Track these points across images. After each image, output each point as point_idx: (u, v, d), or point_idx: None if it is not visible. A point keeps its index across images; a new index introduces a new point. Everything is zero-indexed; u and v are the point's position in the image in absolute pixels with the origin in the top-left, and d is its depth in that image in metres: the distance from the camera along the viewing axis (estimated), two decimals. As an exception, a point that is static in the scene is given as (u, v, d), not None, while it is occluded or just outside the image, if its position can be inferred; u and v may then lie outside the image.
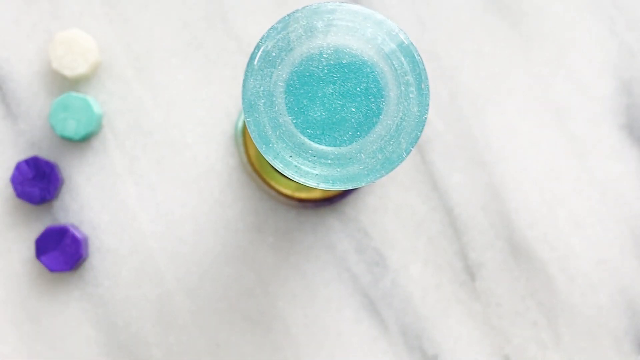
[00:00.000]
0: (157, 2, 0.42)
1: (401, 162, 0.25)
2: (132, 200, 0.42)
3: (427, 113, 0.25)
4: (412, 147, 0.25)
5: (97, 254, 0.41)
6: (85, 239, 0.41)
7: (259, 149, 0.25)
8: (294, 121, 0.25)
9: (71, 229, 0.40)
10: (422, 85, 0.25)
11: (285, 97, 0.25)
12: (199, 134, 0.42)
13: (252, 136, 0.25)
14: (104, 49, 0.42)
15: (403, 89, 0.25)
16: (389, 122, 0.25)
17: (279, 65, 0.25)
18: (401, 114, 0.25)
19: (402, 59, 0.25)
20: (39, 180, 0.40)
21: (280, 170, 0.25)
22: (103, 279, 0.41)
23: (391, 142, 0.25)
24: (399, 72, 0.25)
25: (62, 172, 0.41)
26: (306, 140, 0.25)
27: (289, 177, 0.26)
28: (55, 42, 0.41)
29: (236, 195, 0.42)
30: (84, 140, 0.41)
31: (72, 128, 0.40)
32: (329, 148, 0.25)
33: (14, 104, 0.42)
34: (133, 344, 0.41)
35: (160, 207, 0.42)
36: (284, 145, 0.25)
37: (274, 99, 0.25)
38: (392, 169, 0.25)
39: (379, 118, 0.25)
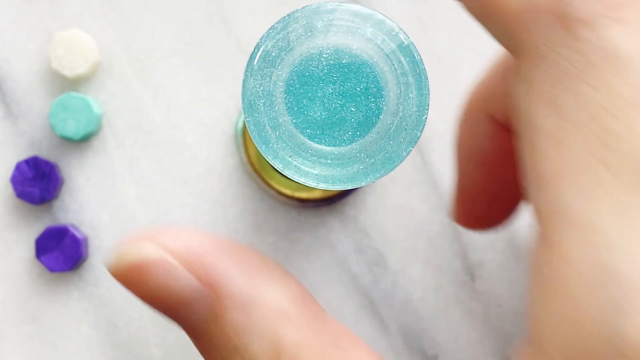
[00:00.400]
0: (157, 2, 0.42)
1: (401, 162, 0.25)
2: (132, 200, 0.42)
3: (427, 113, 0.25)
4: (412, 147, 0.25)
5: (97, 254, 0.41)
6: (85, 239, 0.41)
7: (259, 149, 0.25)
8: (294, 121, 0.25)
9: (71, 229, 0.40)
10: (422, 86, 0.25)
11: (285, 97, 0.25)
12: (199, 134, 0.42)
13: (251, 136, 0.25)
14: (104, 49, 0.42)
15: (403, 89, 0.25)
16: (388, 122, 0.25)
17: (278, 65, 0.25)
18: (401, 114, 0.25)
19: (402, 59, 0.25)
20: (39, 180, 0.40)
21: (280, 170, 0.25)
22: (103, 279, 0.41)
23: (391, 142, 0.25)
24: (399, 72, 0.25)
25: (62, 172, 0.41)
26: (306, 140, 0.25)
27: (288, 177, 0.26)
28: (55, 42, 0.41)
29: (236, 195, 0.42)
30: (84, 140, 0.41)
31: (72, 128, 0.40)
32: (329, 148, 0.25)
33: (14, 104, 0.42)
34: (133, 344, 0.41)
35: (160, 207, 0.42)
36: (284, 145, 0.25)
37: (274, 99, 0.25)
38: (392, 169, 0.25)
39: (378, 118, 0.25)
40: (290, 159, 0.25)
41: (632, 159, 0.22)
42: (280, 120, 0.25)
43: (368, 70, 0.25)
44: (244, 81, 0.25)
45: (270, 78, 0.25)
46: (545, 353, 0.24)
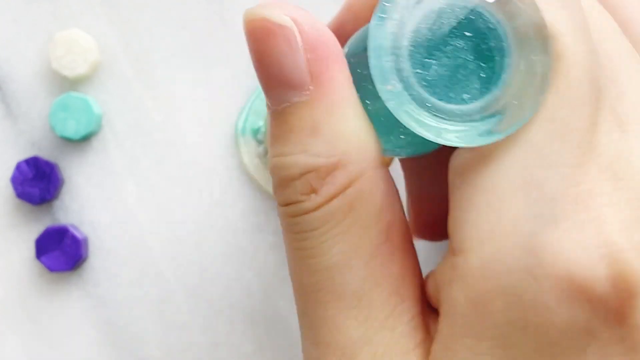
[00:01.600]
0: (157, 2, 0.42)
1: (526, 121, 0.24)
2: (132, 200, 0.42)
3: (550, 72, 0.24)
4: (537, 110, 0.24)
5: (97, 254, 0.41)
6: (85, 239, 0.41)
7: (382, 97, 0.24)
8: (419, 73, 0.24)
9: (71, 229, 0.40)
10: (547, 49, 0.24)
11: (413, 49, 0.24)
12: (199, 134, 0.42)
13: (375, 82, 0.24)
14: (104, 49, 0.42)
15: (528, 50, 0.24)
16: (513, 81, 0.24)
17: (409, 17, 0.24)
18: (526, 74, 0.24)
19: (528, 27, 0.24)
20: (39, 180, 0.40)
21: (398, 118, 0.24)
22: (103, 279, 0.41)
23: (515, 102, 0.24)
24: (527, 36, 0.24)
25: (62, 172, 0.41)
26: (428, 96, 0.24)
27: (407, 126, 0.24)
28: (55, 42, 0.41)
29: (236, 195, 0.42)
30: (84, 140, 0.41)
31: (72, 128, 0.40)
32: (452, 105, 0.24)
33: (14, 104, 0.42)
34: (133, 344, 0.41)
35: (160, 207, 0.42)
36: (406, 96, 0.24)
37: (400, 51, 0.24)
38: (516, 129, 0.24)
39: (502, 77, 0.24)
40: (412, 112, 0.24)
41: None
42: (405, 74, 0.24)
43: (491, 27, 0.24)
44: (375, 25, 0.24)
45: (400, 29, 0.24)
46: (468, 261, 0.24)
